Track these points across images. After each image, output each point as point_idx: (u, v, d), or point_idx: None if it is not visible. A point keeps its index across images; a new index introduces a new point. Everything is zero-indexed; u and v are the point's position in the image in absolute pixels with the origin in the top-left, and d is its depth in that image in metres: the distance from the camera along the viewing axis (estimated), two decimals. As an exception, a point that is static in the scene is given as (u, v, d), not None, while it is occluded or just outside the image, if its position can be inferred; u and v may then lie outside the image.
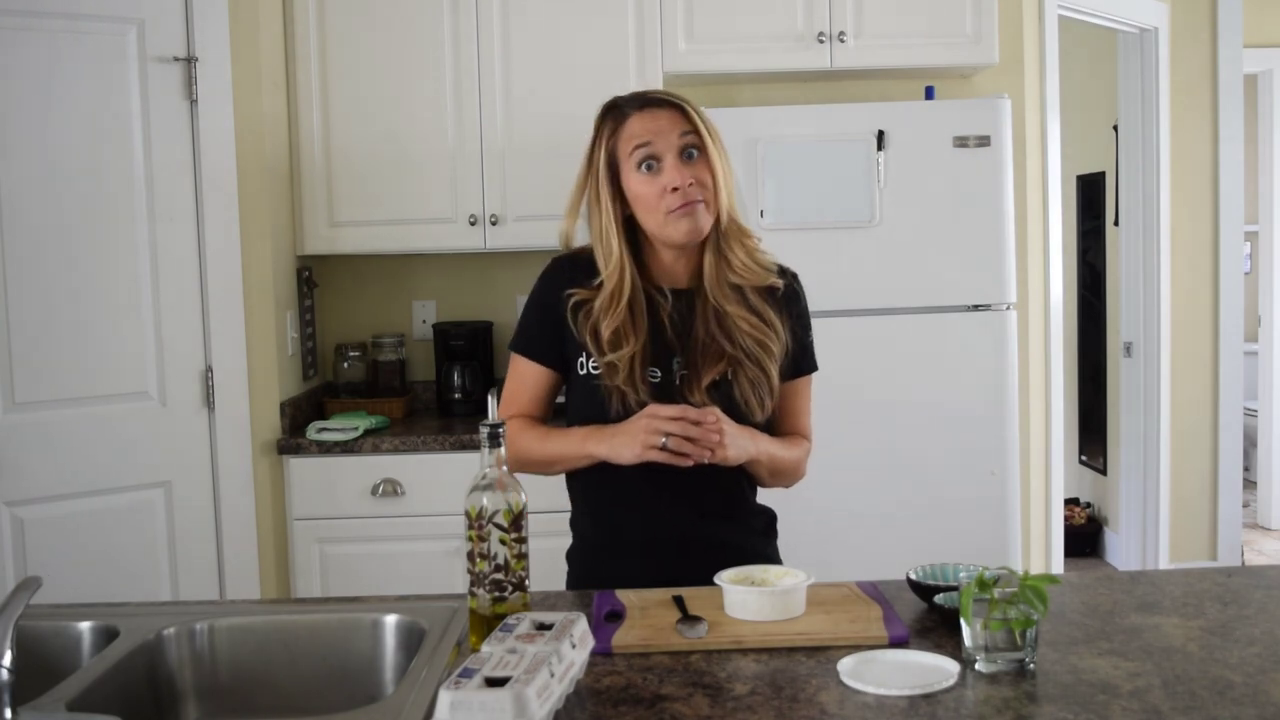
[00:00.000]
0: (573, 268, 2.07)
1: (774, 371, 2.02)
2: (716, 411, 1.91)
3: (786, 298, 2.09)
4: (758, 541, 2.14)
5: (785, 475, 2.10)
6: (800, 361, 2.11)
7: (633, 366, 1.99)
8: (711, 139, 1.99)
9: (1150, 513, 5.19)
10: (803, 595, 1.74)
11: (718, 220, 2.00)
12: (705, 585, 1.83)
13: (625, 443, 1.92)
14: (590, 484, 2.09)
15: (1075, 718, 1.34)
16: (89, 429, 3.19)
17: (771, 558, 2.16)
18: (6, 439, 3.04)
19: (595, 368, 2.02)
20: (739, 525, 2.11)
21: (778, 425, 2.10)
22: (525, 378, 2.10)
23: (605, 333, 2.00)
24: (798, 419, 2.12)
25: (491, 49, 3.73)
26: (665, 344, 2.03)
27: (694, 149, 1.98)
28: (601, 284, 2.02)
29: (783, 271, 2.10)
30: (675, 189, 1.95)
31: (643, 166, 1.97)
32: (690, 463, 1.89)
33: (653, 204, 1.97)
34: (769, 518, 2.17)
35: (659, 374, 2.01)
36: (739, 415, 1.98)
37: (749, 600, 1.73)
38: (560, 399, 2.15)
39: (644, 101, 2.03)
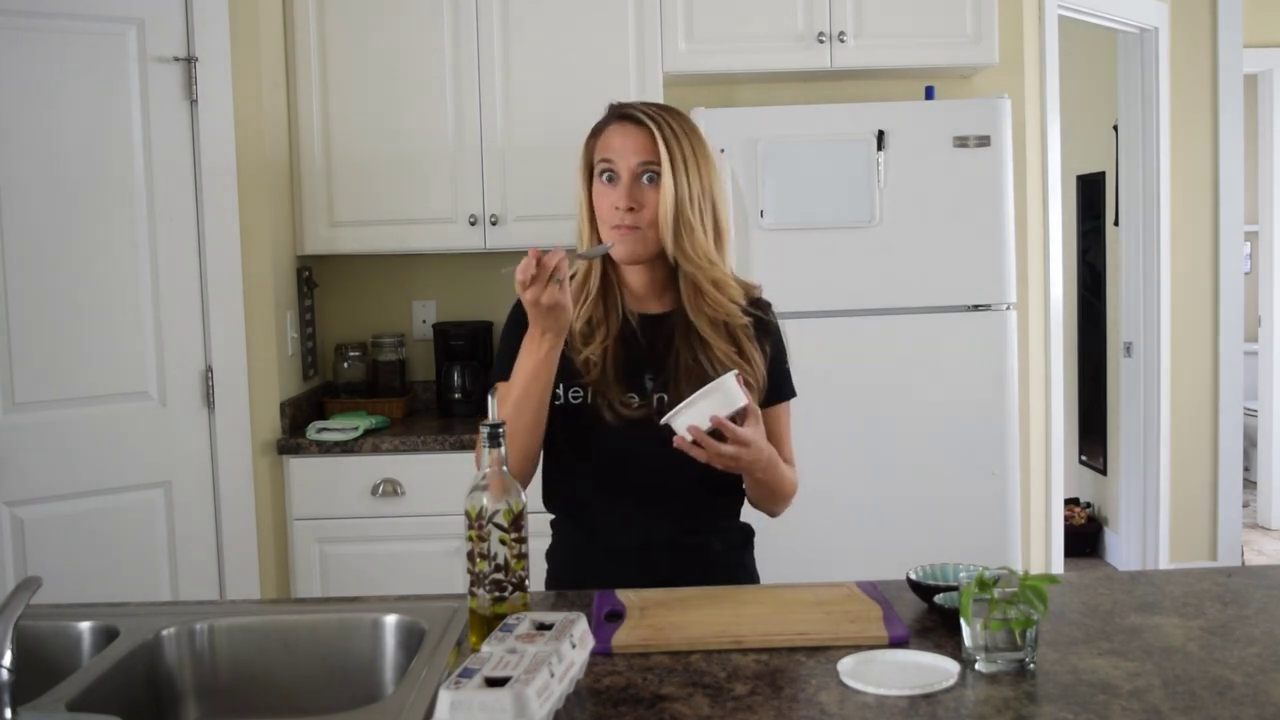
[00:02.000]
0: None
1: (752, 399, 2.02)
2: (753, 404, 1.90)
3: (760, 328, 2.07)
4: (736, 551, 2.15)
5: (780, 491, 2.07)
6: (779, 388, 2.11)
7: (605, 363, 2.00)
8: (675, 168, 1.97)
9: (1150, 513, 5.19)
10: (734, 383, 1.82)
11: (682, 248, 1.98)
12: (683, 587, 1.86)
13: (530, 332, 1.90)
14: (572, 489, 2.10)
15: (1075, 718, 1.34)
16: (89, 429, 3.19)
17: (748, 566, 2.17)
18: (6, 439, 3.04)
19: (575, 396, 2.02)
20: (719, 535, 2.12)
21: None
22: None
23: (578, 325, 2.02)
24: (780, 446, 2.11)
25: (491, 48, 3.73)
26: (641, 367, 2.04)
27: (652, 174, 1.98)
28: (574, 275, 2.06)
29: (756, 303, 2.10)
30: (616, 208, 1.97)
31: (604, 176, 2.00)
32: (705, 456, 1.87)
33: (602, 215, 2.01)
34: (747, 532, 2.17)
35: (636, 399, 2.01)
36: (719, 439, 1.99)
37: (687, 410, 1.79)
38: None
39: (622, 115, 2.03)
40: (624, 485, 2.04)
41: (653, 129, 1.98)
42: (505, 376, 2.04)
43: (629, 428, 2.00)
